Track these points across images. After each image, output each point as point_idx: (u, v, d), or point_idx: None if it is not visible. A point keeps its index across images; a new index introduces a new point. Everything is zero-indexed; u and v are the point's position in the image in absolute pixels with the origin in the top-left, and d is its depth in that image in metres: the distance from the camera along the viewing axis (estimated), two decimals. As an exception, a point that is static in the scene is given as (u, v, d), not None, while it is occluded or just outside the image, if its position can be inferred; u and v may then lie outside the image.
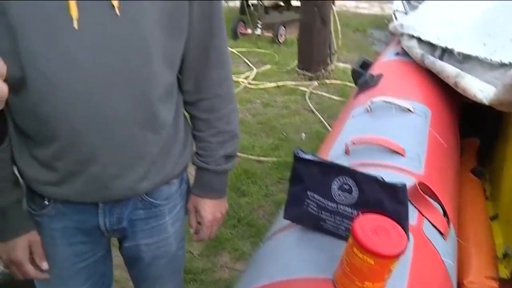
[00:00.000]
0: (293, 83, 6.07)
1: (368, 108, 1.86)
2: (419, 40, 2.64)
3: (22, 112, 1.06)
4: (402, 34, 2.87)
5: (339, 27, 6.42)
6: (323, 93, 5.79)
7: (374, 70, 2.57)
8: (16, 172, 1.16)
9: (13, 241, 1.15)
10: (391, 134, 1.61)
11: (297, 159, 1.03)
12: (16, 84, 0.98)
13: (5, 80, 0.60)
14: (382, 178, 0.93)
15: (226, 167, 1.36)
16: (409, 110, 1.81)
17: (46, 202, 1.18)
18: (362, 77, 2.40)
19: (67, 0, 0.91)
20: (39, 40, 0.94)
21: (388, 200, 0.91)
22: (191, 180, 1.42)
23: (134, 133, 1.10)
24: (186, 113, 1.32)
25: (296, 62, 6.49)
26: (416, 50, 2.51)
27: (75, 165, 1.10)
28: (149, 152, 1.16)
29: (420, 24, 2.80)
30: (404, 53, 2.71)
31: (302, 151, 1.03)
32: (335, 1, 6.71)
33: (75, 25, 0.94)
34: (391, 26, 3.35)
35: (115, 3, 0.96)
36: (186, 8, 1.08)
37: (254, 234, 3.03)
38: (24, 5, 0.91)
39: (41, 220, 1.21)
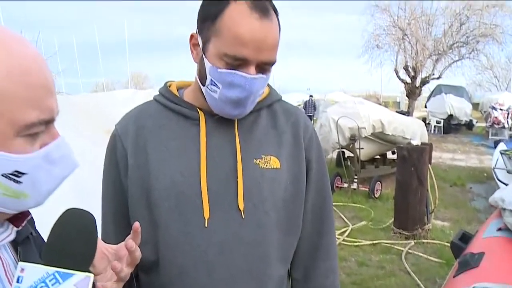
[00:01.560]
0: (389, 241, 5.98)
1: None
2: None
3: None
4: (504, 209, 2.85)
5: (435, 182, 6.39)
6: (420, 254, 5.61)
7: (475, 247, 2.54)
8: None
9: None
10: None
11: None
12: (149, 266, 1.19)
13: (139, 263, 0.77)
14: None
15: None
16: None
17: None
18: (463, 256, 2.39)
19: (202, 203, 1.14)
20: (176, 235, 1.15)
21: None
22: None
23: None
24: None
25: (392, 219, 6.45)
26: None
27: None
28: None
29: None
30: (507, 230, 2.67)
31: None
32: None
33: (206, 224, 1.14)
34: (491, 199, 3.32)
35: (242, 207, 1.15)
36: (302, 211, 1.28)
37: None
38: (168, 206, 1.15)
39: None
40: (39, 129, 0.70)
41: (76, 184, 2.47)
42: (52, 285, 0.73)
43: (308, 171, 1.30)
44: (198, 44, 1.18)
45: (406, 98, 20.48)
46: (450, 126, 21.26)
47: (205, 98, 1.20)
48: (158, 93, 1.31)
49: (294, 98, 37.66)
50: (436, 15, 18.30)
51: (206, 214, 1.15)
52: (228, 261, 1.16)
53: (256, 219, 1.18)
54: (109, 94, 5.60)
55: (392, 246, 5.84)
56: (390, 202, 7.19)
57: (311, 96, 25.67)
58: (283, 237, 1.24)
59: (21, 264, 0.74)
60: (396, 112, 15.32)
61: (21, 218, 0.78)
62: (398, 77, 19.07)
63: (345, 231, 6.30)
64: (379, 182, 8.50)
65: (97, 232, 0.81)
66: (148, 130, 1.23)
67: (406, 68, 18.61)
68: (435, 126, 21.32)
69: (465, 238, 2.90)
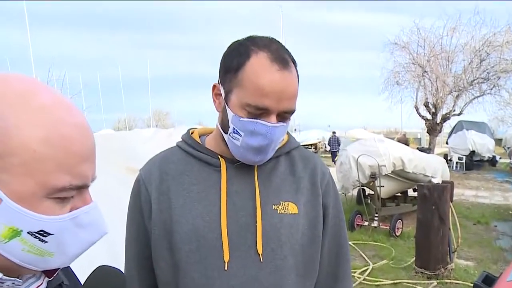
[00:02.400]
0: (411, 281, 5.91)
1: None
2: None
3: None
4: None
5: (457, 220, 6.32)
6: (444, 294, 5.52)
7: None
8: None
9: None
10: None
11: None
12: None
13: None
14: None
15: None
16: None
17: None
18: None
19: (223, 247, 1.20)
20: (197, 277, 1.20)
21: None
22: None
23: None
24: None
25: (413, 258, 6.37)
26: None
27: None
28: None
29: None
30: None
31: None
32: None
33: (226, 267, 1.20)
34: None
35: (260, 251, 1.22)
36: (318, 255, 1.33)
37: None
38: (189, 249, 1.21)
39: None
40: (69, 194, 0.73)
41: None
42: None
43: (325, 216, 1.35)
44: (221, 94, 1.24)
45: (427, 134, 20.33)
46: (473, 163, 21.00)
47: (226, 145, 1.27)
48: (180, 139, 1.38)
49: (315, 135, 37.78)
50: (456, 52, 18.28)
51: (226, 257, 1.20)
52: None
53: (274, 263, 1.22)
54: (132, 132, 5.77)
55: (414, 286, 5.77)
56: (412, 240, 7.11)
57: (334, 132, 25.96)
58: (301, 280, 1.29)
59: None
60: (417, 149, 15.24)
61: (53, 270, 0.81)
62: (419, 113, 18.99)
63: (365, 270, 6.24)
64: (400, 220, 8.42)
65: None
66: (171, 176, 1.29)
67: (426, 105, 18.54)
68: (457, 163, 21.07)
69: (489, 280, 2.88)
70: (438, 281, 5.88)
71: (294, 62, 1.23)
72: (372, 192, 9.23)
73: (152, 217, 1.27)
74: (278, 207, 1.26)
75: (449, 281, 5.92)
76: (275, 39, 1.24)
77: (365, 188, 9.83)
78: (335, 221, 1.39)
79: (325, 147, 36.24)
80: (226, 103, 1.22)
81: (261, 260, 1.22)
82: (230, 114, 1.20)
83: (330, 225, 1.37)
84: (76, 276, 0.99)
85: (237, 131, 1.20)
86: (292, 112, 1.22)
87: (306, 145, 35.61)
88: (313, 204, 1.32)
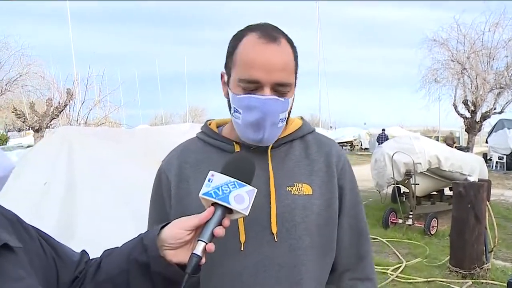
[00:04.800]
0: (445, 280, 5.84)
1: None
2: None
3: None
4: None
5: (494, 220, 6.19)
6: (478, 294, 5.43)
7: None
8: None
9: None
10: None
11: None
12: None
13: None
14: None
15: None
16: None
17: None
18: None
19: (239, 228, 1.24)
20: (214, 258, 1.19)
21: None
22: None
23: None
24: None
25: (448, 257, 6.29)
26: None
27: None
28: None
29: None
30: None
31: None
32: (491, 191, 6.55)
33: (242, 248, 1.25)
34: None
35: (275, 231, 1.26)
36: (335, 235, 1.36)
37: None
38: None
39: None
40: None
41: (133, 210, 2.67)
42: (232, 188, 1.07)
43: (342, 198, 1.38)
44: (225, 81, 1.32)
45: (466, 133, 19.86)
46: (514, 163, 20.40)
47: None
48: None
49: (350, 132, 37.43)
50: (498, 48, 17.80)
51: (242, 239, 1.24)
52: (262, 282, 1.24)
53: (289, 243, 1.26)
54: (168, 127, 5.89)
55: (448, 284, 5.70)
56: (446, 239, 7.00)
57: (383, 129, 25.96)
58: (318, 259, 1.31)
59: (211, 171, 1.10)
60: (455, 147, 14.92)
61: None
62: (457, 112, 18.59)
63: (398, 267, 6.20)
64: (435, 219, 8.32)
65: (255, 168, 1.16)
66: (189, 165, 1.36)
67: (465, 103, 18.11)
68: (497, 162, 20.51)
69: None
70: (473, 280, 5.78)
71: (289, 41, 1.28)
72: (407, 190, 9.13)
73: (172, 202, 1.34)
74: (292, 188, 1.30)
75: (484, 281, 5.81)
76: (271, 24, 1.30)
77: (400, 186, 9.72)
78: (354, 203, 1.41)
79: (361, 145, 35.98)
80: (228, 86, 1.29)
81: (275, 240, 1.25)
82: (230, 94, 1.27)
83: (348, 207, 1.39)
84: (38, 230, 1.05)
85: (236, 109, 1.25)
86: (286, 85, 1.24)
87: (342, 142, 35.38)
88: (328, 186, 1.35)
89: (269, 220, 1.26)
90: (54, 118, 14.23)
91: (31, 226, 1.04)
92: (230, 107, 1.31)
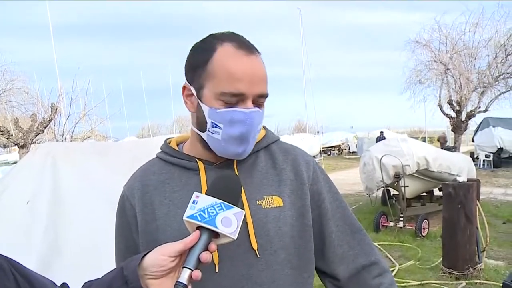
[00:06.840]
0: (439, 282, 5.83)
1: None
2: None
3: None
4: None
5: (484, 219, 6.21)
6: (473, 294, 5.42)
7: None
8: None
9: None
10: None
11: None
12: None
13: None
14: None
15: None
16: None
17: None
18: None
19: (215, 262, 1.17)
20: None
21: None
22: None
23: None
24: None
25: (440, 258, 6.28)
26: None
27: None
28: None
29: None
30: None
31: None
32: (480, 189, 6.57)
33: (217, 269, 1.19)
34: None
35: (255, 247, 1.20)
36: (312, 244, 1.31)
37: None
38: None
39: None
40: None
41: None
42: (219, 210, 1.01)
43: (321, 203, 1.34)
44: (192, 94, 1.25)
45: (452, 132, 20.03)
46: (501, 160, 20.59)
47: (203, 147, 1.27)
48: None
49: (338, 136, 37.58)
50: (479, 47, 18.01)
51: (216, 260, 1.18)
52: None
53: (265, 259, 1.21)
54: (154, 139, 5.82)
55: (442, 286, 5.69)
56: (438, 240, 7.01)
57: (381, 132, 26.32)
58: (296, 272, 1.26)
59: (196, 193, 1.04)
60: (442, 147, 15.01)
61: None
62: (443, 112, 18.74)
63: (392, 271, 6.15)
64: (426, 220, 8.32)
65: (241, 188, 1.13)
66: (152, 187, 1.29)
67: (450, 103, 18.28)
68: (484, 161, 20.71)
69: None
70: (467, 281, 5.77)
71: (257, 51, 1.24)
72: (397, 193, 9.14)
73: (139, 230, 1.27)
74: (262, 202, 1.25)
75: (478, 281, 5.80)
76: (236, 33, 1.26)
77: (389, 188, 9.73)
78: (336, 204, 1.37)
79: (349, 149, 36.08)
80: (200, 100, 1.22)
81: (258, 256, 1.20)
82: (205, 109, 1.20)
83: (332, 209, 1.35)
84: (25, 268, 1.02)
85: (215, 124, 1.19)
86: (266, 96, 1.22)
87: (330, 147, 35.50)
88: (299, 194, 1.30)
89: (247, 237, 1.20)
90: (39, 133, 14.04)
91: (4, 257, 0.99)
92: (201, 122, 1.24)
